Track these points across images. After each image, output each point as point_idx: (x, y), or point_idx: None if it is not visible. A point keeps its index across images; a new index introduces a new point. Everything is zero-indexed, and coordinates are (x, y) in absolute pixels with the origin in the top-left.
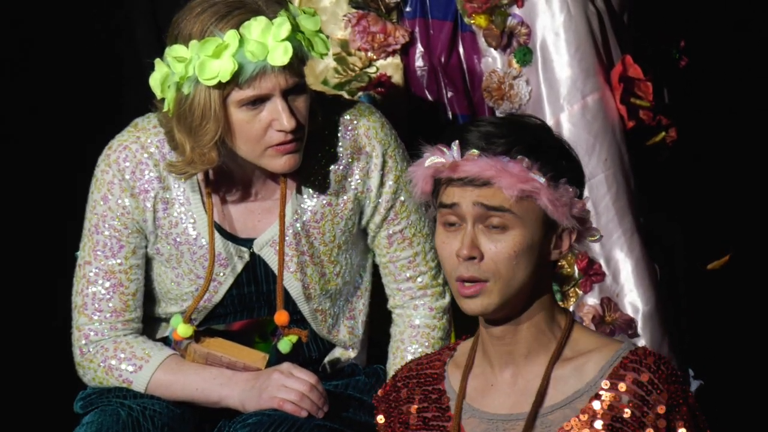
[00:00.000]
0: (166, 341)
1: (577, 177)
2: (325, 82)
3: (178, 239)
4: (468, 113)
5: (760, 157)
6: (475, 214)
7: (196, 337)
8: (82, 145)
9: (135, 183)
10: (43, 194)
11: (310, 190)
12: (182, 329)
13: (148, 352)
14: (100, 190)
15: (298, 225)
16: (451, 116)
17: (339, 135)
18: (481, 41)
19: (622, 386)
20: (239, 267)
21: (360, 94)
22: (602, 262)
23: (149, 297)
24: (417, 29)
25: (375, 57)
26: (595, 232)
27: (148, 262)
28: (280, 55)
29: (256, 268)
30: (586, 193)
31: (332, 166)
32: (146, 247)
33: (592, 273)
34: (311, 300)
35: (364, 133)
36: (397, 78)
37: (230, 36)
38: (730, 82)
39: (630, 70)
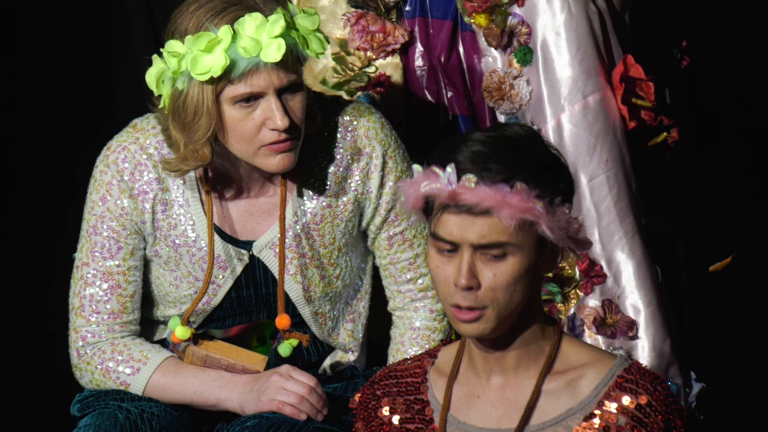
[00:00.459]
0: (164, 344)
1: (570, 190)
2: (323, 82)
3: (177, 241)
4: (468, 113)
5: (762, 158)
6: (472, 247)
7: (194, 339)
8: (78, 146)
9: (134, 184)
10: (39, 195)
11: (310, 191)
12: (180, 331)
13: (146, 354)
14: (98, 191)
15: (297, 227)
16: (450, 116)
17: (338, 136)
18: (481, 41)
19: (617, 407)
20: (238, 269)
21: (359, 93)
22: (603, 263)
23: (147, 300)
24: (416, 28)
25: (374, 56)
26: (587, 245)
27: (146, 264)
28: (273, 51)
29: (255, 270)
30: (586, 194)
31: (332, 168)
32: (145, 248)
33: (593, 275)
34: (311, 303)
35: (364, 133)
36: (396, 78)
37: (223, 31)
38: (732, 82)
39: (631, 70)
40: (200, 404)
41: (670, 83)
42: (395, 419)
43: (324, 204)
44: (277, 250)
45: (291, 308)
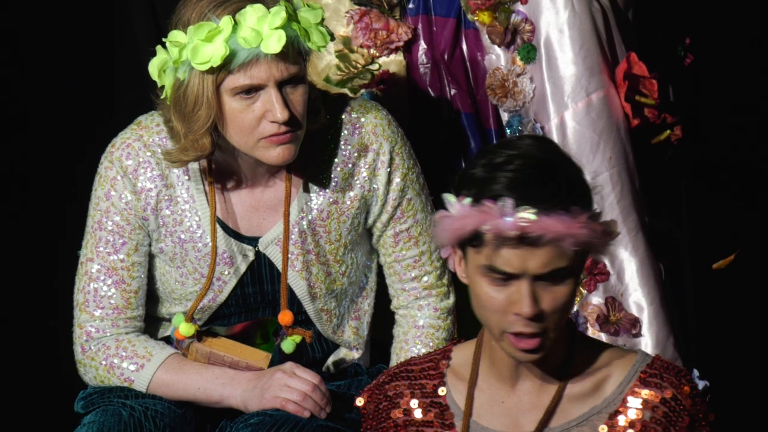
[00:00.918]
0: (168, 341)
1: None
2: (327, 80)
3: (182, 236)
4: (471, 111)
5: (765, 155)
6: (532, 277)
7: (198, 336)
8: (81, 142)
9: (137, 181)
10: (40, 193)
11: (317, 188)
12: (184, 328)
13: (150, 351)
14: (103, 187)
15: (304, 223)
16: (454, 114)
17: (345, 133)
18: (485, 38)
19: (642, 403)
20: (244, 266)
21: (362, 91)
22: (606, 261)
23: (153, 297)
24: (420, 26)
25: (377, 54)
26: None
27: (152, 261)
28: (274, 42)
29: (261, 267)
30: None
31: (338, 164)
32: (149, 245)
33: (597, 272)
34: (316, 299)
35: (371, 130)
36: (399, 75)
37: (225, 21)
38: (735, 80)
39: (635, 68)
40: (204, 401)
41: (673, 81)
42: (410, 422)
43: (330, 200)
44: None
45: (296, 305)
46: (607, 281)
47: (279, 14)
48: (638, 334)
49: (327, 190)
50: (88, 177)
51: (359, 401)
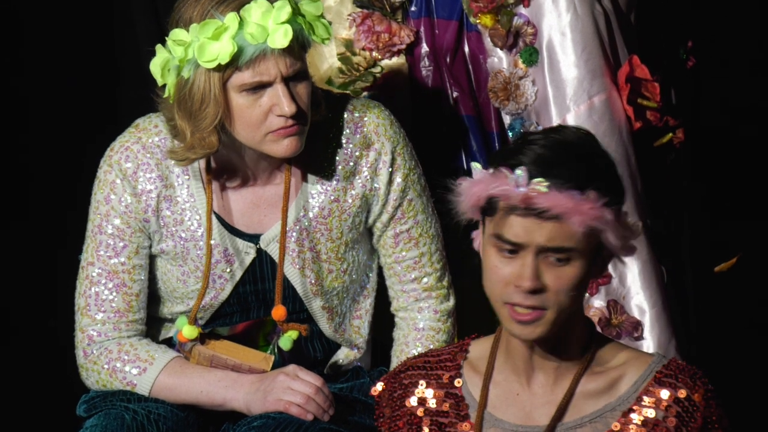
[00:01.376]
0: (170, 343)
1: (622, 194)
2: (329, 82)
3: (183, 235)
4: (473, 113)
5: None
6: (536, 250)
7: (201, 339)
8: (82, 144)
9: (136, 183)
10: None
11: (318, 186)
12: (187, 330)
13: (153, 354)
14: (102, 191)
15: (305, 221)
16: (456, 117)
17: (348, 131)
18: (487, 41)
19: (656, 402)
20: (246, 263)
21: (364, 94)
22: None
23: (154, 297)
24: (422, 29)
25: (380, 57)
26: (633, 251)
27: (152, 262)
28: (280, 37)
29: (263, 264)
30: None
31: (340, 162)
32: (150, 247)
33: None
34: (318, 297)
35: (374, 129)
36: (402, 78)
37: (230, 18)
38: (737, 83)
39: (637, 71)
40: (206, 404)
41: (675, 84)
42: (425, 411)
43: (332, 198)
44: (286, 244)
45: (298, 303)
46: (609, 284)
47: (284, 8)
48: (640, 337)
49: (328, 188)
50: (89, 180)
51: (375, 390)
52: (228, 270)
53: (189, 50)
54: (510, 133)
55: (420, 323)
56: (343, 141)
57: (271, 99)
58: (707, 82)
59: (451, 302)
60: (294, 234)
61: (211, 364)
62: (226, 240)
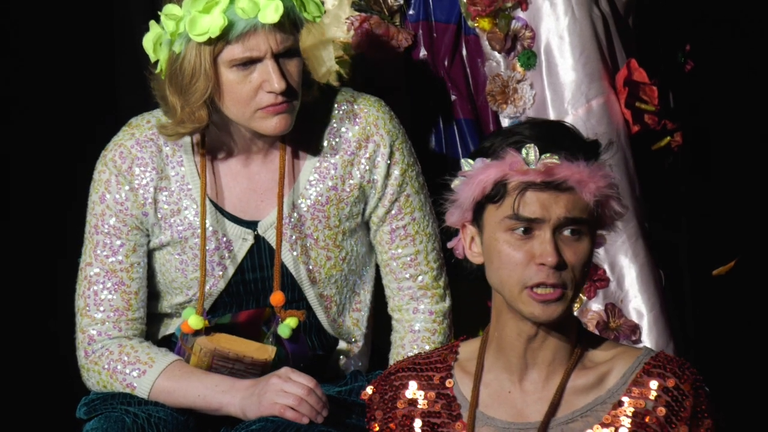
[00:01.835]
0: (171, 340)
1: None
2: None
3: (181, 225)
4: (471, 117)
5: (765, 162)
6: (555, 224)
7: (204, 332)
8: (82, 143)
9: (132, 177)
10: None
11: (316, 174)
12: (194, 320)
13: (153, 357)
14: (97, 191)
15: (303, 207)
16: (454, 120)
17: (347, 122)
18: (485, 44)
19: (646, 392)
20: (244, 250)
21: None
22: (606, 267)
23: (153, 293)
24: (420, 32)
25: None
26: (603, 241)
27: (150, 257)
28: (271, 12)
29: (261, 251)
30: None
31: (338, 152)
32: (147, 244)
33: (597, 278)
34: (316, 284)
35: (373, 122)
36: (399, 81)
37: None
38: (735, 86)
39: (635, 74)
40: (204, 408)
41: (673, 87)
42: (416, 412)
43: (329, 185)
44: (283, 229)
45: (297, 291)
46: (607, 288)
47: None
48: (638, 341)
49: (326, 176)
50: (89, 177)
51: (366, 393)
52: (226, 256)
53: (180, 24)
54: None
55: (416, 325)
56: (342, 130)
57: (261, 75)
58: (705, 86)
59: (447, 303)
60: (292, 220)
61: (213, 357)
62: (224, 226)
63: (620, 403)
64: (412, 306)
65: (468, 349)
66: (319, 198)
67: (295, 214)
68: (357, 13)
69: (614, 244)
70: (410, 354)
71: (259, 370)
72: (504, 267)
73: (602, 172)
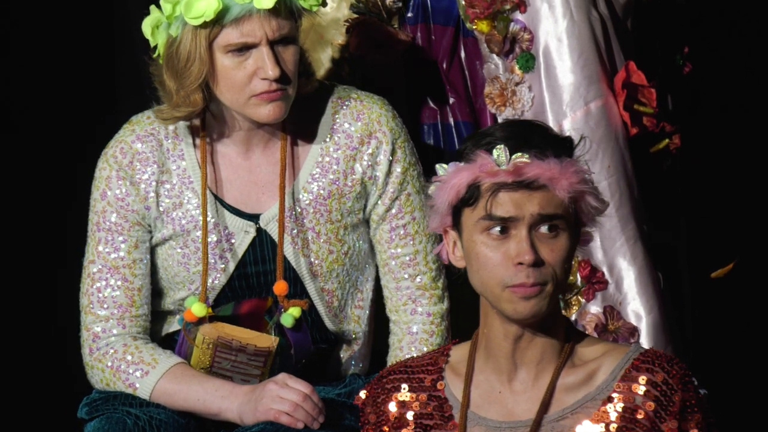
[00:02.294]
0: (174, 340)
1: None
2: None
3: (183, 218)
4: (470, 120)
5: (764, 164)
6: (530, 222)
7: (207, 321)
8: (84, 142)
9: (133, 172)
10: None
11: (318, 168)
12: (197, 308)
13: (156, 358)
14: (98, 188)
15: (305, 200)
16: (453, 122)
17: (351, 118)
18: (483, 47)
19: (635, 387)
20: (246, 243)
21: None
22: (605, 270)
23: (156, 289)
24: (418, 35)
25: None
26: (590, 238)
27: (153, 253)
28: None
29: (263, 244)
30: None
31: (341, 147)
32: (150, 240)
33: (595, 281)
34: (317, 278)
35: (376, 119)
36: (398, 84)
37: None
38: (734, 89)
39: (633, 77)
40: (203, 413)
41: (672, 89)
42: (409, 414)
43: (331, 179)
44: (285, 222)
45: (299, 285)
46: (605, 290)
47: None
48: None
49: (329, 171)
50: (88, 178)
51: (359, 398)
52: (229, 250)
53: (177, 7)
54: None
55: (414, 327)
56: (345, 126)
57: (256, 62)
58: (703, 88)
59: (446, 305)
60: (293, 213)
61: (216, 346)
62: (225, 219)
63: (610, 399)
64: (410, 307)
65: (459, 351)
66: (321, 192)
67: (297, 208)
68: (355, 16)
69: (613, 247)
70: (408, 356)
71: (262, 361)
72: (483, 268)
73: (574, 168)
